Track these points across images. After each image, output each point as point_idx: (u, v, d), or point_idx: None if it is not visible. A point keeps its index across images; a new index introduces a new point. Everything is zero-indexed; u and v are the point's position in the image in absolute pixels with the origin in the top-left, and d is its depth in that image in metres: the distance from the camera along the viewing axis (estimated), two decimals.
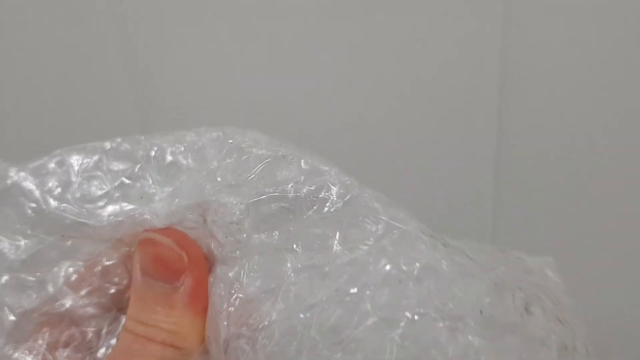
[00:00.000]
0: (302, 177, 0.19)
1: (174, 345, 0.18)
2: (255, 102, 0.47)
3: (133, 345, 0.18)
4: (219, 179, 0.20)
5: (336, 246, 0.18)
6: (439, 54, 0.44)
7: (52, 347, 0.20)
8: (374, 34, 0.44)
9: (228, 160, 0.20)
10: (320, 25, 0.44)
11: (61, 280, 0.20)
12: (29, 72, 0.46)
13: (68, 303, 0.20)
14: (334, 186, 0.20)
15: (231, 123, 0.46)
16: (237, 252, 0.19)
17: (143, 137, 0.20)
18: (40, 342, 0.19)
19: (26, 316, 0.19)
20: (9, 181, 0.19)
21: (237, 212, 0.19)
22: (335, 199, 0.19)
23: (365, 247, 0.18)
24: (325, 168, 0.20)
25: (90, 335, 0.20)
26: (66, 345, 0.20)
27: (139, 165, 0.20)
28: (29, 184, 0.19)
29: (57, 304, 0.20)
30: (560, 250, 0.50)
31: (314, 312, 0.17)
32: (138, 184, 0.20)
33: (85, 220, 0.19)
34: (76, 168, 0.20)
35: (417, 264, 0.18)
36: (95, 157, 0.20)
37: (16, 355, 0.19)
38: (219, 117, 0.48)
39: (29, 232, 0.19)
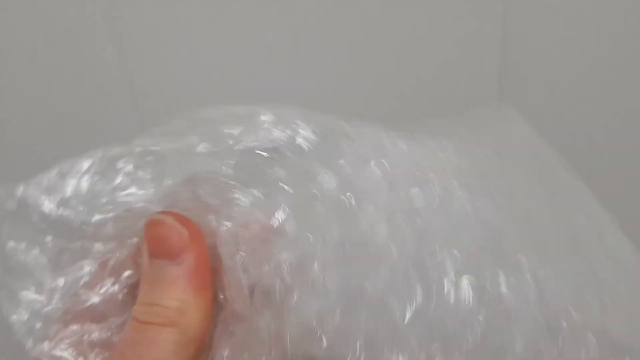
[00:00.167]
0: (277, 131, 0.22)
1: (175, 323, 0.19)
2: (253, 102, 0.47)
3: (136, 335, 0.19)
4: (199, 151, 0.21)
5: (322, 175, 0.20)
6: (439, 53, 0.44)
7: (78, 344, 0.21)
8: (374, 34, 0.44)
9: (204, 134, 0.22)
10: (320, 24, 0.44)
11: (77, 280, 0.21)
12: (26, 79, 0.46)
13: (87, 301, 0.21)
14: (305, 131, 0.22)
15: None
16: (236, 209, 0.20)
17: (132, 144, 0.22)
18: (66, 341, 0.20)
19: (50, 317, 0.21)
20: (17, 198, 0.21)
21: (225, 174, 0.21)
22: (311, 138, 0.22)
23: (346, 165, 0.20)
24: (295, 119, 0.22)
25: (112, 330, 0.21)
26: (91, 341, 0.21)
27: (131, 165, 0.22)
28: (35, 198, 0.21)
29: (76, 302, 0.21)
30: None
31: (321, 228, 0.19)
32: (130, 179, 0.21)
33: (87, 220, 0.21)
34: (75, 176, 0.21)
35: (385, 161, 0.20)
36: (89, 164, 0.22)
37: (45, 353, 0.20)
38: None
39: (44, 240, 0.21)
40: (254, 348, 0.20)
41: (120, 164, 0.21)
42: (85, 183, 0.21)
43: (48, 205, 0.21)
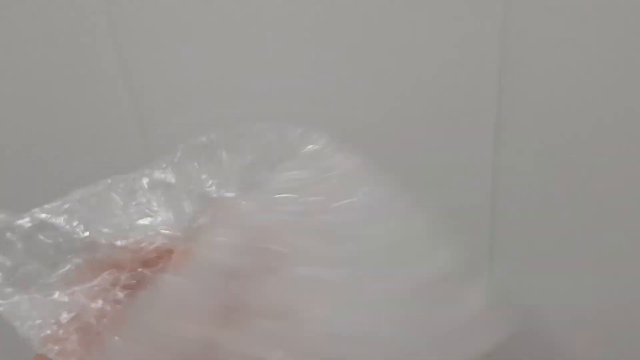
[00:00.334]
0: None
1: None
2: (254, 102, 0.47)
3: None
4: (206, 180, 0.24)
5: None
6: (439, 53, 0.44)
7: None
8: (374, 34, 0.44)
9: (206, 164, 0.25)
10: (320, 24, 0.44)
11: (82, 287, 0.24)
12: (26, 80, 0.46)
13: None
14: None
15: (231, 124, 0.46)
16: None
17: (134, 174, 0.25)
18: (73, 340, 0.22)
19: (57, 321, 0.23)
20: (37, 220, 0.24)
21: (233, 192, 0.24)
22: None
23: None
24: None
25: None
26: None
27: (139, 192, 0.25)
28: (56, 220, 0.24)
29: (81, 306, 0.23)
30: (559, 252, 0.50)
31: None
32: (143, 207, 0.24)
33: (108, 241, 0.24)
34: (92, 203, 0.24)
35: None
36: (102, 191, 0.24)
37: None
38: (220, 123, 0.48)
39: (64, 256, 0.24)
40: None
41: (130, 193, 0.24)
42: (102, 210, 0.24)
43: (64, 225, 0.23)
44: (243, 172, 0.24)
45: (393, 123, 0.47)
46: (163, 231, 0.23)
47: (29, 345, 0.22)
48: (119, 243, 0.23)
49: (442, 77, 0.45)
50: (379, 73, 0.45)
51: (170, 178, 0.24)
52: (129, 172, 0.25)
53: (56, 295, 0.23)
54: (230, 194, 0.24)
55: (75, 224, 0.23)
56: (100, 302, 0.23)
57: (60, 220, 0.23)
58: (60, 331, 0.22)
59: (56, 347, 0.21)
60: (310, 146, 0.26)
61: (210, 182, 0.24)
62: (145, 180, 0.24)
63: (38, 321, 0.22)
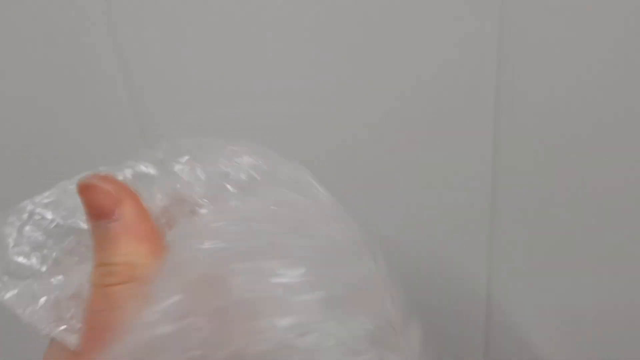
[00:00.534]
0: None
1: (132, 278, 0.20)
2: (254, 102, 0.47)
3: (97, 301, 0.20)
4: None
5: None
6: (437, 54, 0.44)
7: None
8: (372, 34, 0.44)
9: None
10: (319, 25, 0.44)
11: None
12: (26, 81, 0.46)
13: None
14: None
15: (231, 128, 0.46)
16: None
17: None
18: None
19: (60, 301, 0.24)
20: (27, 213, 0.25)
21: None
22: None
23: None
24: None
25: None
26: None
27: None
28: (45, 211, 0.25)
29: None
30: (559, 252, 0.50)
31: None
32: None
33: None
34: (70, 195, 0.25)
35: None
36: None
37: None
38: (220, 123, 0.48)
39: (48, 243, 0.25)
40: None
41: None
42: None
43: (52, 215, 0.24)
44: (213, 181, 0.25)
45: (392, 123, 0.47)
46: None
47: (34, 330, 0.22)
48: None
49: (442, 77, 0.45)
50: (378, 73, 0.45)
51: (153, 171, 0.25)
52: (114, 164, 0.25)
53: (52, 279, 0.24)
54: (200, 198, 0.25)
55: (62, 212, 0.24)
56: (77, 280, 0.24)
57: (48, 210, 0.24)
58: (62, 311, 0.23)
59: (62, 327, 0.22)
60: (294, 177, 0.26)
61: (184, 182, 0.25)
62: (128, 172, 0.25)
63: (40, 305, 0.23)
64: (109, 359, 0.19)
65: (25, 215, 0.25)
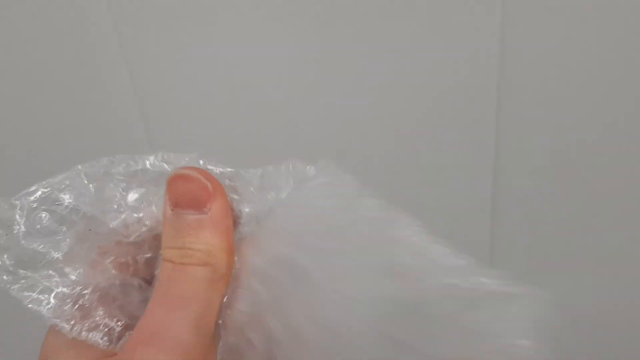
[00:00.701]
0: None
1: (207, 263, 0.22)
2: (258, 105, 0.47)
3: (173, 273, 0.22)
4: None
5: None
6: (438, 54, 0.44)
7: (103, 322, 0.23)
8: (374, 35, 0.44)
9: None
10: (321, 27, 0.44)
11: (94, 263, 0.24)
12: (28, 82, 0.47)
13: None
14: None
15: (235, 127, 0.46)
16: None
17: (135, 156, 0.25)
18: (95, 319, 0.23)
19: (76, 299, 0.23)
20: (38, 194, 0.24)
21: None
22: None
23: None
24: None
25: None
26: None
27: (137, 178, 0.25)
28: (52, 196, 0.24)
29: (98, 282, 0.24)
30: (559, 252, 0.50)
31: None
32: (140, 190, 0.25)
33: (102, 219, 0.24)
34: (86, 181, 0.24)
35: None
36: (102, 171, 0.24)
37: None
38: (221, 122, 0.48)
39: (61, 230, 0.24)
40: None
41: (127, 176, 0.25)
42: (98, 187, 0.24)
43: (67, 200, 0.24)
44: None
45: (393, 123, 0.47)
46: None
47: (45, 321, 0.22)
48: (116, 221, 0.24)
49: (443, 77, 0.45)
50: (379, 73, 0.45)
51: (167, 167, 0.25)
52: (131, 154, 0.25)
53: (64, 270, 0.23)
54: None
55: (75, 197, 0.24)
56: (104, 275, 0.23)
57: (61, 194, 0.24)
58: (89, 309, 0.22)
59: (93, 330, 0.22)
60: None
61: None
62: (147, 163, 0.24)
63: (50, 297, 0.22)
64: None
65: (34, 200, 0.23)
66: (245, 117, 0.48)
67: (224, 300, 0.23)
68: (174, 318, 0.21)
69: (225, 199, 0.23)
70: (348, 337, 0.22)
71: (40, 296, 0.22)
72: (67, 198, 0.24)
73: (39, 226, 0.23)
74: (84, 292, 0.23)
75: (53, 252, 0.23)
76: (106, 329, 0.23)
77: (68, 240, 0.23)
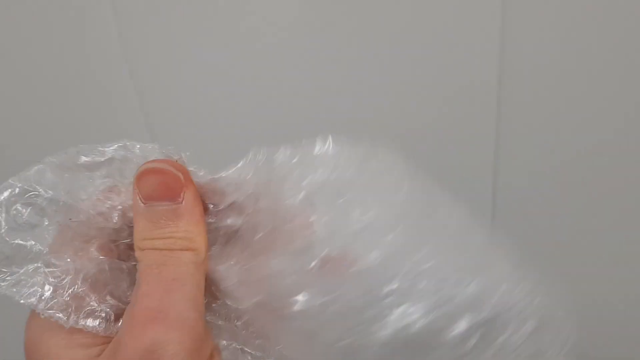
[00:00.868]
0: None
1: (190, 248, 0.23)
2: (260, 103, 0.47)
3: (163, 258, 0.22)
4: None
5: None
6: (439, 54, 0.44)
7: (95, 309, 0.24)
8: (375, 36, 0.44)
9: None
10: (321, 27, 0.44)
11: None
12: (29, 82, 0.47)
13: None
14: None
15: (234, 122, 0.46)
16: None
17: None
18: (86, 308, 0.23)
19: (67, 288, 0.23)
20: (16, 189, 0.24)
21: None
22: None
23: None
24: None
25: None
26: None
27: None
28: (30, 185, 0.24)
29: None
30: (559, 252, 0.50)
31: None
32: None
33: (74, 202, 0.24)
34: (59, 171, 0.24)
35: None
36: (71, 162, 0.25)
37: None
38: (221, 120, 0.48)
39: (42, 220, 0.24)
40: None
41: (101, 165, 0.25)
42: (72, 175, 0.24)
43: (45, 192, 0.24)
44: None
45: (393, 123, 0.47)
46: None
47: (40, 314, 0.22)
48: (93, 208, 0.24)
49: (442, 78, 0.45)
50: (379, 74, 0.45)
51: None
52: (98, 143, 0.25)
53: (51, 261, 0.23)
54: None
55: (54, 188, 0.24)
56: (92, 262, 0.23)
57: (39, 186, 0.24)
58: (62, 293, 0.22)
59: (88, 317, 0.22)
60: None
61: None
62: (112, 152, 0.24)
63: (42, 290, 0.22)
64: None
65: (12, 193, 0.23)
66: (246, 116, 0.48)
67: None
68: (174, 299, 0.21)
69: (195, 186, 0.24)
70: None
71: (31, 290, 0.22)
72: (44, 190, 0.24)
73: (20, 221, 0.23)
74: (74, 280, 0.23)
75: (38, 245, 0.23)
76: (103, 314, 0.23)
77: (50, 231, 0.23)
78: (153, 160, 0.24)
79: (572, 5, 0.40)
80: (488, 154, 0.47)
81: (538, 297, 0.25)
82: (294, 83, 0.46)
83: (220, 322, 0.26)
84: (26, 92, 0.48)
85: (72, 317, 0.22)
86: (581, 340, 0.54)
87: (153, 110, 0.48)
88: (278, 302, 0.23)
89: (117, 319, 0.23)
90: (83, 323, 0.22)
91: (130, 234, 0.24)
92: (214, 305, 0.25)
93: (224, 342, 0.26)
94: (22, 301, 0.22)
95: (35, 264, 0.23)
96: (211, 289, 0.25)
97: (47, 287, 0.22)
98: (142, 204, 0.23)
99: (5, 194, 0.23)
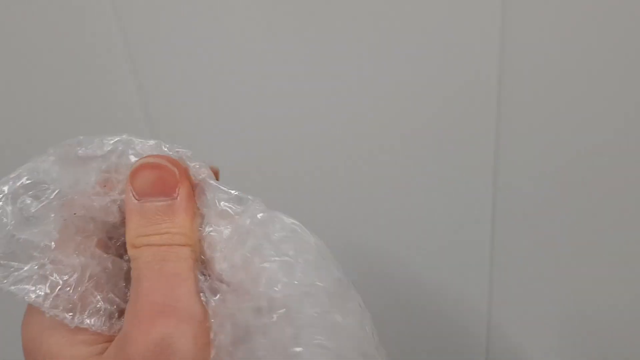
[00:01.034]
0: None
1: (186, 243, 0.23)
2: (259, 101, 0.47)
3: (163, 254, 0.22)
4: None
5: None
6: (438, 54, 0.44)
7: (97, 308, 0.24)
8: (374, 35, 0.44)
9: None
10: (321, 26, 0.44)
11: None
12: (30, 82, 0.47)
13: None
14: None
15: (231, 122, 0.46)
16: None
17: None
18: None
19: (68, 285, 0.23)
20: (21, 181, 0.24)
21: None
22: None
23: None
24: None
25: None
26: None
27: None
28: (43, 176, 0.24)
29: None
30: (559, 252, 0.50)
31: None
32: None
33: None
34: (62, 164, 0.24)
35: None
36: (72, 154, 0.24)
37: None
38: (222, 120, 0.48)
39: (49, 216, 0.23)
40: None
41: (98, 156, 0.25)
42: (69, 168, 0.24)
43: (50, 185, 0.23)
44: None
45: (393, 123, 0.47)
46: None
47: (45, 313, 0.22)
48: (95, 203, 0.23)
49: (443, 77, 0.45)
50: (379, 74, 0.45)
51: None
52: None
53: (57, 258, 0.22)
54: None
55: (58, 183, 0.23)
56: (95, 259, 0.23)
57: (47, 177, 0.23)
58: (68, 292, 0.22)
59: (68, 312, 0.22)
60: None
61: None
62: (111, 146, 0.24)
63: (46, 287, 0.22)
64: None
65: (20, 184, 0.23)
66: (247, 116, 0.48)
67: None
68: (179, 293, 0.22)
69: (189, 182, 0.24)
70: None
71: (36, 287, 0.22)
72: (49, 183, 0.23)
73: (27, 214, 0.22)
74: (81, 278, 0.22)
75: (45, 240, 0.22)
76: (107, 313, 0.23)
77: (56, 226, 0.23)
78: (148, 156, 0.23)
79: (572, 5, 0.40)
80: (488, 154, 0.47)
81: None
82: (294, 82, 0.46)
83: None
84: (26, 92, 0.48)
85: (77, 316, 0.22)
86: (582, 341, 0.54)
87: (153, 110, 0.48)
88: None
89: (119, 317, 0.23)
90: (88, 322, 0.22)
91: None
92: None
93: None
94: (26, 298, 0.21)
95: (41, 261, 0.22)
96: None
97: (53, 284, 0.22)
98: (135, 200, 0.23)
99: (13, 184, 0.23)
